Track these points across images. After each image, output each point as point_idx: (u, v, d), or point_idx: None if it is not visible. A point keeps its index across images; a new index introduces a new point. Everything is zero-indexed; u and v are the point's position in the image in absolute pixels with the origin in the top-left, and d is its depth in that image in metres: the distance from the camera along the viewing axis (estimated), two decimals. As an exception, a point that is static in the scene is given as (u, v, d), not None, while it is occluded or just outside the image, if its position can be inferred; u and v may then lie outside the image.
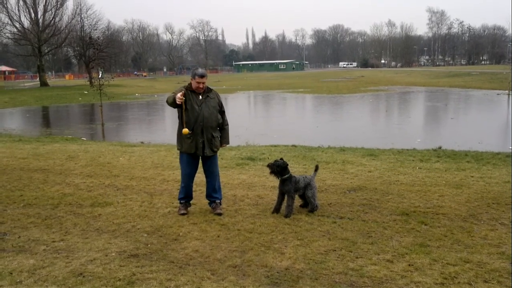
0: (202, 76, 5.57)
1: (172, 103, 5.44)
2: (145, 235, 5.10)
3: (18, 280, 3.99)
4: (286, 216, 5.61)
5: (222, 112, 5.88)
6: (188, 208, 5.94)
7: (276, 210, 5.79)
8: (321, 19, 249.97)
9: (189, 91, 5.62)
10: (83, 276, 4.06)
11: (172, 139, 12.02)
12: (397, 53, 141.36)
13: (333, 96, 37.05)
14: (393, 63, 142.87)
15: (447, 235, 4.92)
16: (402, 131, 18.24)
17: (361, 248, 4.61)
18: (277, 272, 4.10)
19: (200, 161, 5.87)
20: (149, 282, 3.93)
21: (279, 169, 5.69)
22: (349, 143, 12.41)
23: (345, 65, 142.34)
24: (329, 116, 24.42)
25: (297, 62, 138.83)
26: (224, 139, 5.94)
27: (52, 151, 11.04)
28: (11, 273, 4.12)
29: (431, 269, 4.09)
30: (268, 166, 5.77)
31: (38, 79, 60.51)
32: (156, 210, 6.02)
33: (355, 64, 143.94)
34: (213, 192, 5.93)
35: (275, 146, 12.09)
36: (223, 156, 9.98)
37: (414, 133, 17.05)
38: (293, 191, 5.73)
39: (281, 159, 5.81)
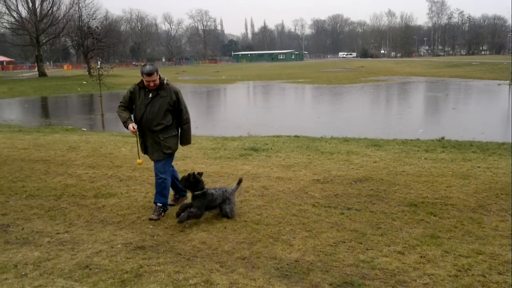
0: (149, 74, 5.01)
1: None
2: (151, 226, 5.03)
3: (23, 273, 3.92)
4: (180, 221, 4.93)
5: (179, 110, 5.30)
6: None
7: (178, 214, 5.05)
8: (321, 9, 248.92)
9: (139, 87, 5.23)
10: (90, 269, 3.99)
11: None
12: (397, 43, 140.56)
13: (333, 87, 36.87)
14: (392, 53, 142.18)
15: (457, 226, 4.85)
16: (404, 121, 18.13)
17: (371, 239, 4.54)
18: (287, 264, 4.03)
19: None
20: (157, 275, 3.86)
21: (187, 184, 5.07)
22: (351, 134, 12.32)
23: (344, 55, 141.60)
24: (330, 106, 24.28)
25: (297, 52, 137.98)
26: (183, 138, 5.46)
27: (53, 142, 10.93)
28: (16, 266, 4.05)
29: (443, 261, 4.02)
30: (181, 180, 5.18)
31: (36, 69, 60.17)
32: (160, 201, 5.92)
33: (354, 54, 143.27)
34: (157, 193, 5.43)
35: (277, 136, 11.99)
36: (226, 147, 9.89)
37: (416, 124, 16.95)
38: (204, 209, 5.09)
39: (199, 173, 5.16)
